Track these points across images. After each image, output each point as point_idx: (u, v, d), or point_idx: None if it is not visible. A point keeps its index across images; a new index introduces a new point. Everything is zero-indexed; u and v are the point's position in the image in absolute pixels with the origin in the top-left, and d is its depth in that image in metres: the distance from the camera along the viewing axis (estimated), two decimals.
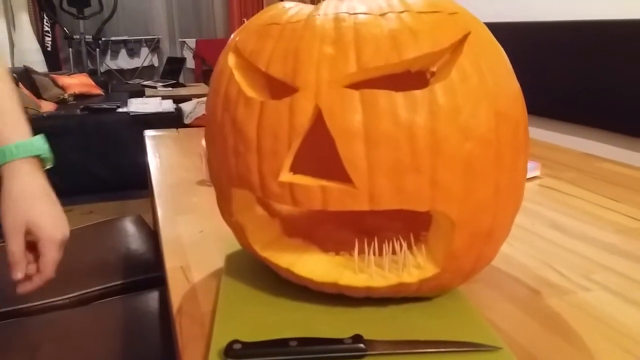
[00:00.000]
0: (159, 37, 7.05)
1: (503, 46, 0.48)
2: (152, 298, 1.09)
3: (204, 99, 3.80)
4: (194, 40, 7.09)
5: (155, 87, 5.20)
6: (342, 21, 0.44)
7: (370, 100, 0.41)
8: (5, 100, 0.63)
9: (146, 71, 6.90)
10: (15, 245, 0.59)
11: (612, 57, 1.32)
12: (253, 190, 0.46)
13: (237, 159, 0.46)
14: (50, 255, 0.60)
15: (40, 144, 0.63)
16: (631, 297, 0.55)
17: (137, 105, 3.57)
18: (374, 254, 0.48)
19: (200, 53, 7.04)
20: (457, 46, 0.43)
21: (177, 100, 3.98)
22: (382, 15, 0.43)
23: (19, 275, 0.59)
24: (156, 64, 7.14)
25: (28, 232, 0.60)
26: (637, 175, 0.99)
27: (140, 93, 4.87)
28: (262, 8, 5.10)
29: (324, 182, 0.43)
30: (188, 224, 0.76)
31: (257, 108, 0.45)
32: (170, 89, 5.15)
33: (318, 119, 0.42)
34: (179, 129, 1.54)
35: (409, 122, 0.41)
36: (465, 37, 0.43)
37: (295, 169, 0.45)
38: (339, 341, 0.43)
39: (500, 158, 0.44)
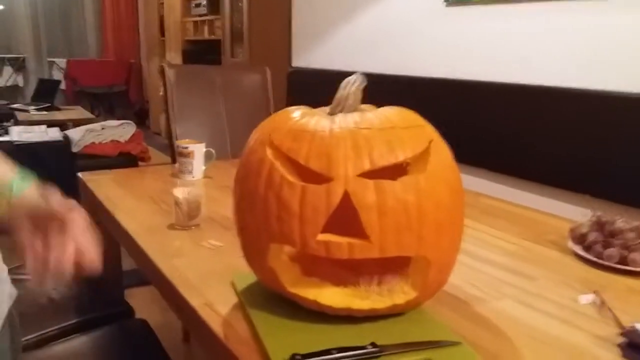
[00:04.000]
0: (24, 55, 6.63)
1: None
2: (126, 329, 1.19)
3: (92, 126, 3.74)
4: (64, 60, 6.77)
5: (27, 111, 4.89)
6: (355, 133, 0.65)
7: (380, 186, 0.63)
8: None
9: (9, 92, 6.44)
10: None
11: (494, 110, 1.70)
12: (294, 245, 0.66)
13: (281, 223, 0.66)
14: None
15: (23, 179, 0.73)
16: (528, 302, 0.83)
17: (20, 134, 3.40)
18: (370, 285, 0.70)
19: (71, 74, 6.73)
20: (427, 148, 0.67)
21: (51, 124, 3.82)
22: (381, 130, 0.66)
23: None
24: (21, 84, 6.68)
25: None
26: (509, 208, 1.33)
27: (7, 116, 4.57)
28: (137, 29, 5.18)
29: (350, 240, 0.64)
30: (188, 267, 0.91)
31: (299, 189, 0.64)
32: (45, 112, 4.89)
33: (344, 198, 0.63)
34: (112, 170, 1.62)
35: (404, 200, 0.64)
36: (431, 142, 0.68)
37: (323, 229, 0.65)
38: (363, 347, 0.64)
39: (454, 218, 0.68)
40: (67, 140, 3.59)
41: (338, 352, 0.62)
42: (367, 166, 0.64)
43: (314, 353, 0.62)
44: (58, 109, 5.17)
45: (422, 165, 0.66)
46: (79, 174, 1.55)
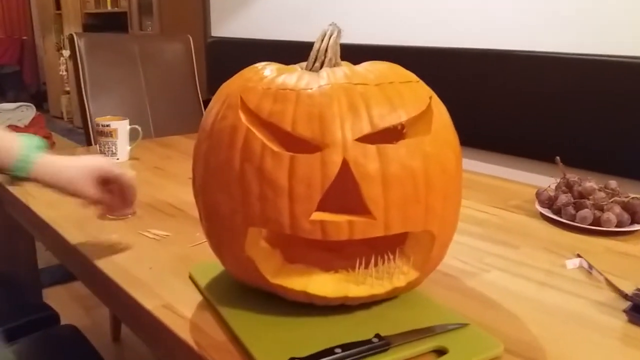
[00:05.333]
0: None
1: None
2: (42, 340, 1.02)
3: None
4: None
5: None
6: (350, 90, 0.55)
7: (383, 152, 0.53)
8: None
9: None
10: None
11: (445, 76, 1.64)
12: (281, 228, 0.55)
13: (264, 203, 0.54)
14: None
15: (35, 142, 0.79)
16: (517, 272, 0.77)
17: None
18: (365, 268, 0.60)
19: None
20: (429, 106, 0.58)
21: None
22: (378, 85, 0.56)
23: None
24: None
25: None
26: (470, 177, 1.29)
27: None
28: (28, 2, 4.80)
29: (350, 217, 0.54)
30: (133, 262, 0.77)
31: (287, 161, 0.53)
32: None
33: (342, 169, 0.53)
34: None
35: (411, 167, 0.54)
36: (431, 99, 0.59)
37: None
38: (369, 341, 0.54)
39: (457, 184, 0.61)
40: None
41: (342, 350, 0.53)
42: (366, 129, 0.53)
43: (315, 355, 0.52)
44: None
45: (424, 126, 0.57)
46: None
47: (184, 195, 1.08)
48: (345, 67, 0.60)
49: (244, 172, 0.55)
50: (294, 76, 0.58)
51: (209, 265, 0.72)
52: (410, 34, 1.72)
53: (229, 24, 2.55)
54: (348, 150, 0.53)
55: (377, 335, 0.56)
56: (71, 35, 1.73)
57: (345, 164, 0.53)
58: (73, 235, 0.87)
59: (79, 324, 1.11)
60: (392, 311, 0.63)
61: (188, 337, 0.59)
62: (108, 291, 0.75)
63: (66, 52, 5.46)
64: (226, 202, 0.57)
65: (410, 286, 0.62)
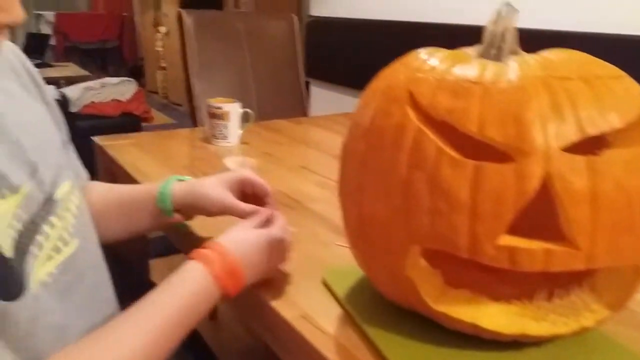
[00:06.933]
0: None
1: None
2: None
3: (91, 83, 3.47)
4: (53, 13, 6.36)
5: None
6: (551, 85, 0.44)
7: (595, 166, 0.43)
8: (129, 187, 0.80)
9: None
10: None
11: None
12: (455, 250, 0.46)
13: (436, 218, 0.45)
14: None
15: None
16: None
17: None
18: (547, 300, 0.50)
19: (61, 28, 6.36)
20: None
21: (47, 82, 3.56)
22: (585, 81, 0.45)
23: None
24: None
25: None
26: None
27: None
28: None
29: (547, 245, 0.44)
30: None
31: (470, 170, 0.44)
32: (37, 69, 4.58)
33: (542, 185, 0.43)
34: (129, 134, 1.40)
35: (627, 185, 0.43)
36: None
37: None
38: None
39: None
40: (64, 100, 3.33)
41: None
42: (574, 135, 0.43)
43: None
44: (50, 66, 4.85)
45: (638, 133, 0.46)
46: (95, 139, 1.32)
47: (299, 185, 1.02)
48: (536, 56, 0.49)
49: (412, 180, 0.46)
50: (473, 66, 0.48)
51: (345, 270, 0.65)
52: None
53: (328, 2, 2.45)
54: (552, 161, 0.42)
55: None
56: (179, 11, 1.71)
57: (547, 179, 0.43)
58: (189, 223, 0.83)
59: None
60: (570, 352, 0.52)
61: (334, 357, 0.52)
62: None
63: (163, 29, 5.63)
64: (386, 212, 0.49)
65: (597, 325, 0.52)
